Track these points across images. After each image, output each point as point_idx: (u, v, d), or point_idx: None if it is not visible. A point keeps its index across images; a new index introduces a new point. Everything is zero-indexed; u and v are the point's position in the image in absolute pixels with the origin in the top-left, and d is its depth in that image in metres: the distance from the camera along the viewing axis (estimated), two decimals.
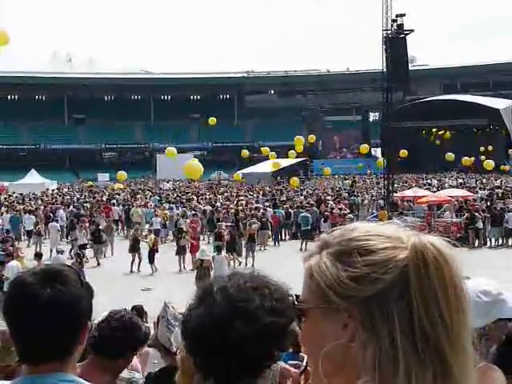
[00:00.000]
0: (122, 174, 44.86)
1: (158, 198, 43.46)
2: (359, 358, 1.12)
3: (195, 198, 41.43)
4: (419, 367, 1.08)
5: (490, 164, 54.25)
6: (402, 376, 1.08)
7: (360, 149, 55.24)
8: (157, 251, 24.13)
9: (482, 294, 2.98)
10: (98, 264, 25.41)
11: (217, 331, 1.52)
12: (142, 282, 21.41)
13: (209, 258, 18.59)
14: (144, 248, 24.11)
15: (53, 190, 52.75)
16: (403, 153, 43.67)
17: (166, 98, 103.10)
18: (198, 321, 1.71)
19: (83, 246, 25.36)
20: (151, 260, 23.63)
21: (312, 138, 47.34)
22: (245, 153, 49.76)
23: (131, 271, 23.81)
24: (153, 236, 25.17)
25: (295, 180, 43.69)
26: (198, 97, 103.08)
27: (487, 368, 2.96)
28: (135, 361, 4.56)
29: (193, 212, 31.69)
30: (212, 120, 41.28)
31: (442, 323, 1.10)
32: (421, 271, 1.11)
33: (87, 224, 28.02)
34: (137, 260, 23.99)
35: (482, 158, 61.58)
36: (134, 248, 24.09)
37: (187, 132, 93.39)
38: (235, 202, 36.53)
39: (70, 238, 30.03)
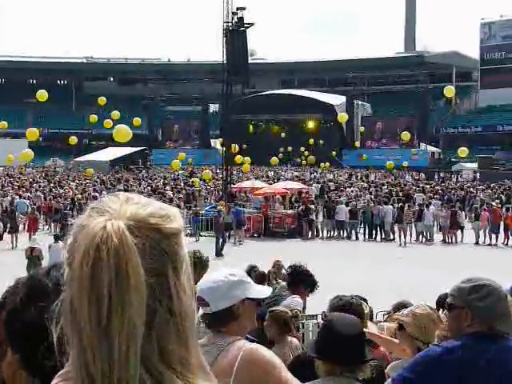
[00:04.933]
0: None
1: None
2: None
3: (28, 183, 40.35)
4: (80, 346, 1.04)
5: (311, 159, 62.14)
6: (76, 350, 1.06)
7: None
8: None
9: (230, 275, 3.10)
10: None
11: None
12: None
13: (39, 247, 18.21)
14: None
15: None
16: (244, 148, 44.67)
17: (0, 81, 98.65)
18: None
19: None
20: None
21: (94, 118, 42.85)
22: (73, 140, 46.85)
23: None
24: None
25: (208, 173, 41.36)
26: (35, 81, 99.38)
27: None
28: None
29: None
30: (41, 96, 34.62)
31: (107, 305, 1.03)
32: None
33: None
34: None
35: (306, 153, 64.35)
36: None
37: (22, 117, 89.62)
38: (71, 190, 35.97)
39: None
